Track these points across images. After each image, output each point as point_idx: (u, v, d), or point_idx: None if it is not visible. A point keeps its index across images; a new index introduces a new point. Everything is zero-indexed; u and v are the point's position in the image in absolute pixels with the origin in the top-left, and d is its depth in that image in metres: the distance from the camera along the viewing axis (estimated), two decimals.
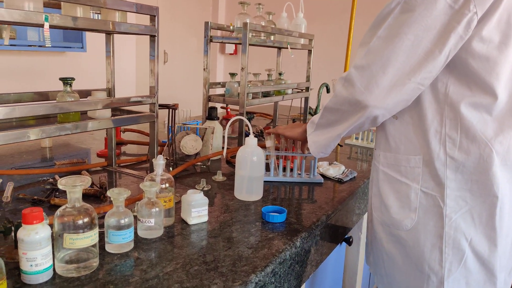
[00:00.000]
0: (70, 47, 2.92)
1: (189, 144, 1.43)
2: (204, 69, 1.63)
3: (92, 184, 1.13)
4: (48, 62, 3.01)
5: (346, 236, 1.27)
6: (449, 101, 0.83)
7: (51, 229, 0.71)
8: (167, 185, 0.95)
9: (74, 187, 0.72)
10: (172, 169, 1.30)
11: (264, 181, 1.20)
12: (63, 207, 0.73)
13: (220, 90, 1.86)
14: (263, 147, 1.24)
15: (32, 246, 0.66)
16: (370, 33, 0.86)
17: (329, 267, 1.37)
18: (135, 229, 0.87)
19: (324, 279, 1.34)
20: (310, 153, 1.10)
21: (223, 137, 1.37)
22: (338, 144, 1.84)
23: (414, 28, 0.78)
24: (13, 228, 0.75)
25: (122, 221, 0.80)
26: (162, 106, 1.28)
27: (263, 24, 1.73)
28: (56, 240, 0.72)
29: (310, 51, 1.98)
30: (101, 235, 0.81)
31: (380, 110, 0.85)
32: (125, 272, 0.74)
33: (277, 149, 1.31)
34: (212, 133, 1.45)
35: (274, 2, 2.06)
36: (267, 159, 1.24)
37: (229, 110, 2.32)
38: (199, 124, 1.55)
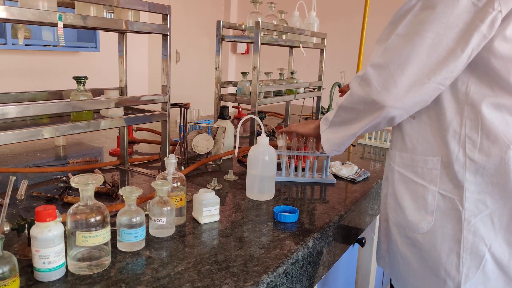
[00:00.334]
0: (84, 47, 2.95)
1: (201, 143, 1.43)
2: (216, 68, 1.63)
3: (105, 182, 1.13)
4: (62, 62, 3.05)
5: (359, 237, 1.25)
6: (469, 101, 0.81)
7: (64, 227, 0.71)
8: (178, 184, 0.95)
9: (86, 185, 0.72)
10: (184, 168, 1.30)
11: (276, 181, 1.19)
12: (75, 205, 0.73)
13: (231, 89, 1.86)
14: (275, 146, 1.23)
15: (45, 244, 0.67)
16: (388, 30, 0.84)
17: (342, 268, 1.36)
18: (147, 228, 0.87)
19: (336, 280, 1.33)
20: (323, 151, 1.09)
21: (235, 136, 1.37)
22: (351, 144, 1.82)
23: (435, 25, 0.76)
24: (26, 226, 0.76)
25: (134, 220, 0.80)
26: (174, 105, 1.28)
27: (275, 23, 1.72)
28: (68, 238, 0.72)
29: (322, 50, 1.96)
30: (113, 234, 0.81)
31: (398, 111, 0.83)
32: (136, 270, 0.74)
33: (288, 148, 1.30)
34: (224, 132, 1.44)
35: (286, 1, 2.04)
36: (278, 158, 1.23)
37: (240, 109, 2.32)
38: (211, 123, 1.55)
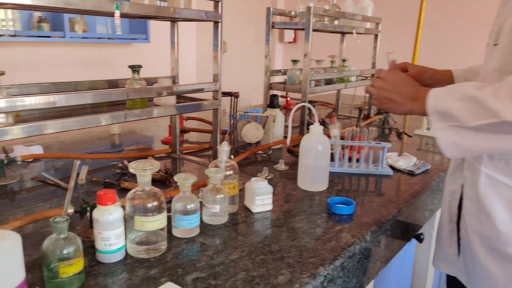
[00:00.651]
0: (136, 39, 3.04)
1: (250, 132, 1.42)
2: (265, 56, 1.61)
3: (158, 169, 1.15)
4: (115, 54, 3.16)
5: (417, 233, 1.19)
6: None
7: (123, 211, 0.72)
8: (231, 172, 0.94)
9: (144, 171, 0.72)
10: (233, 157, 1.30)
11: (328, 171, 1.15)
12: (133, 190, 0.74)
13: (279, 79, 1.82)
14: (328, 136, 1.19)
15: (106, 226, 0.68)
16: None
17: (397, 264, 1.30)
18: (200, 215, 0.87)
19: (391, 277, 1.27)
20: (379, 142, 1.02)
21: (285, 125, 1.34)
22: (407, 135, 1.74)
23: None
24: (88, 209, 0.78)
25: (189, 206, 0.80)
26: (225, 94, 1.28)
27: (327, 8, 1.66)
28: (127, 222, 0.73)
29: (376, 36, 1.88)
30: (168, 220, 0.82)
31: None
32: (192, 256, 0.74)
33: (342, 138, 1.25)
34: (274, 121, 1.42)
35: None
36: (331, 148, 1.19)
37: (288, 98, 2.28)
38: (260, 112, 1.53)
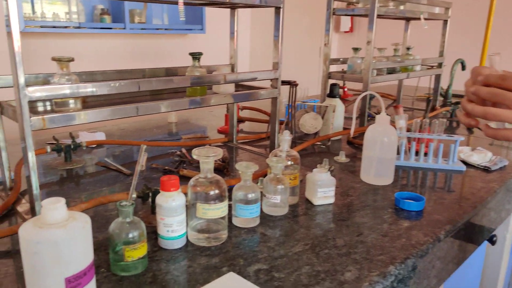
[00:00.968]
0: (191, 29, 3.07)
1: (308, 123, 1.37)
2: (325, 44, 1.55)
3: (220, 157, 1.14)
4: (171, 44, 3.22)
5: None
6: None
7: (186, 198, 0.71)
8: (292, 162, 0.91)
9: (207, 158, 0.71)
10: (291, 148, 1.26)
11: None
12: (195, 177, 0.73)
13: (334, 68, 1.74)
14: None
15: (169, 213, 0.68)
16: None
17: (467, 266, 1.20)
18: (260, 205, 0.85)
19: (461, 280, 1.18)
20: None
21: (344, 116, 1.27)
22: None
23: None
24: (150, 194, 0.78)
25: (250, 196, 0.78)
26: (284, 83, 1.24)
27: None
28: (189, 209, 0.73)
29: (445, 22, 1.75)
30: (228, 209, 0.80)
31: None
32: (253, 247, 0.72)
33: (408, 130, 1.17)
34: (333, 111, 1.37)
35: None
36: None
37: (346, 89, 2.20)
38: (317, 102, 1.48)
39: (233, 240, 0.75)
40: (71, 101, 0.87)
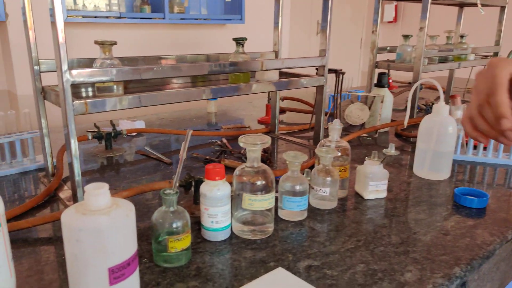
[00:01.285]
0: (230, 19, 3.04)
1: (354, 114, 1.30)
2: (372, 32, 1.47)
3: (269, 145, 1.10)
4: (210, 34, 3.20)
5: None
6: None
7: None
8: (340, 153, 0.85)
9: (254, 145, 0.67)
10: None
11: None
12: (241, 166, 0.69)
13: (379, 58, 1.65)
14: None
15: (214, 202, 0.64)
16: None
17: None
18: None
19: None
20: None
21: (394, 106, 1.19)
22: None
23: None
24: (193, 183, 0.75)
25: (298, 187, 0.73)
26: (330, 71, 1.18)
27: None
28: (234, 200, 0.69)
29: (503, 8, 1.61)
30: None
31: None
32: (301, 242, 0.67)
33: None
34: (382, 101, 1.29)
35: None
36: None
37: (391, 80, 2.10)
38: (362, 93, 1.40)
39: (279, 234, 0.70)
40: (114, 86, 0.86)
